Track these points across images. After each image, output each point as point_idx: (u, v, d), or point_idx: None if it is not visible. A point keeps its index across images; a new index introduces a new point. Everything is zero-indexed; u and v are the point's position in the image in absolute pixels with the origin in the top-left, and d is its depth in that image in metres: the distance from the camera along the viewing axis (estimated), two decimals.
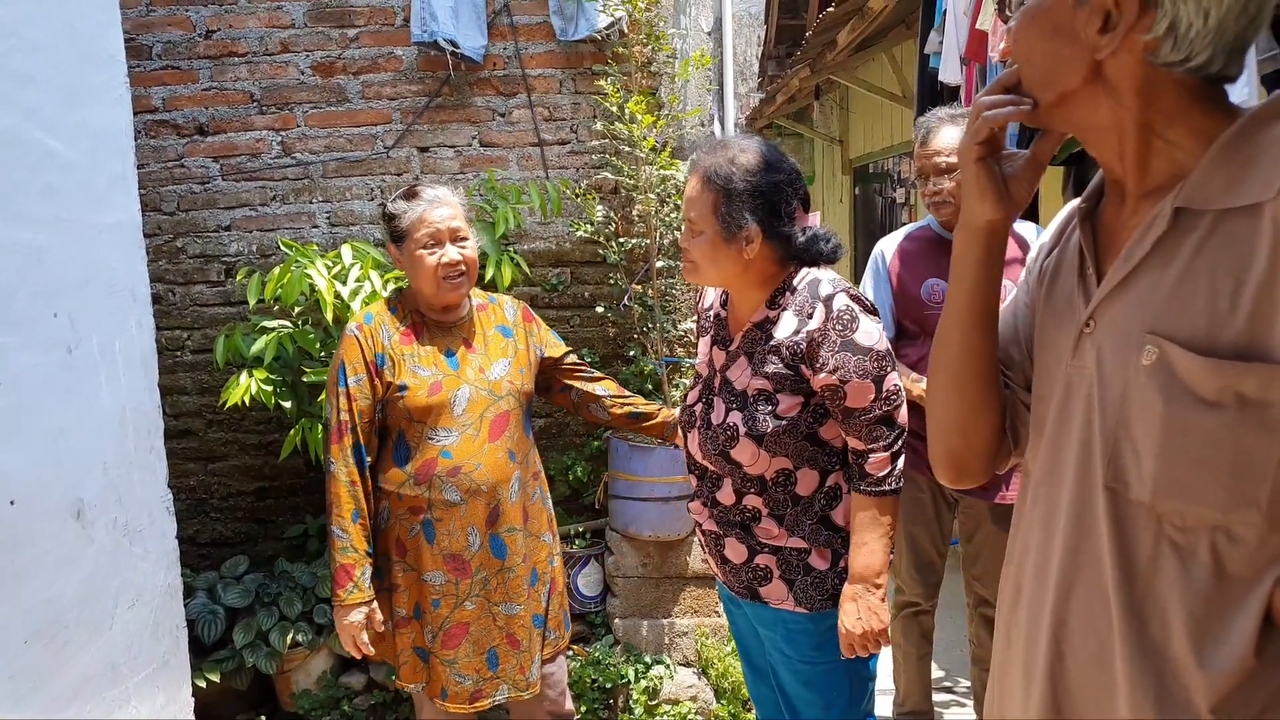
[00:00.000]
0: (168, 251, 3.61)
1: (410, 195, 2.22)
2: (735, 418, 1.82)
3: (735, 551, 1.90)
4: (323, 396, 2.28)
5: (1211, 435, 0.88)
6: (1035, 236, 2.54)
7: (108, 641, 2.08)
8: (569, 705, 2.52)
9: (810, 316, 1.78)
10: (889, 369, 1.78)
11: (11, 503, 1.77)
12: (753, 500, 1.85)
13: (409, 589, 2.25)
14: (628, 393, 2.54)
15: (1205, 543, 0.91)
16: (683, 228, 1.88)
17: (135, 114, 3.51)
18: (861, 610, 1.78)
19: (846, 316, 1.77)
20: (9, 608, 1.76)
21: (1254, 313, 0.86)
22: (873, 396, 1.76)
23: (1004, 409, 1.19)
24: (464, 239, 2.21)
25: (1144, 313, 0.94)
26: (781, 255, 1.85)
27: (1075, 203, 1.13)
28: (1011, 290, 1.27)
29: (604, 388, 2.50)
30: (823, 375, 1.76)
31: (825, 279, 1.84)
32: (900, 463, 1.80)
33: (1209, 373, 0.87)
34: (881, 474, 1.78)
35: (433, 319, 2.27)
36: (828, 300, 1.79)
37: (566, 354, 2.48)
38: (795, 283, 1.85)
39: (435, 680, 2.26)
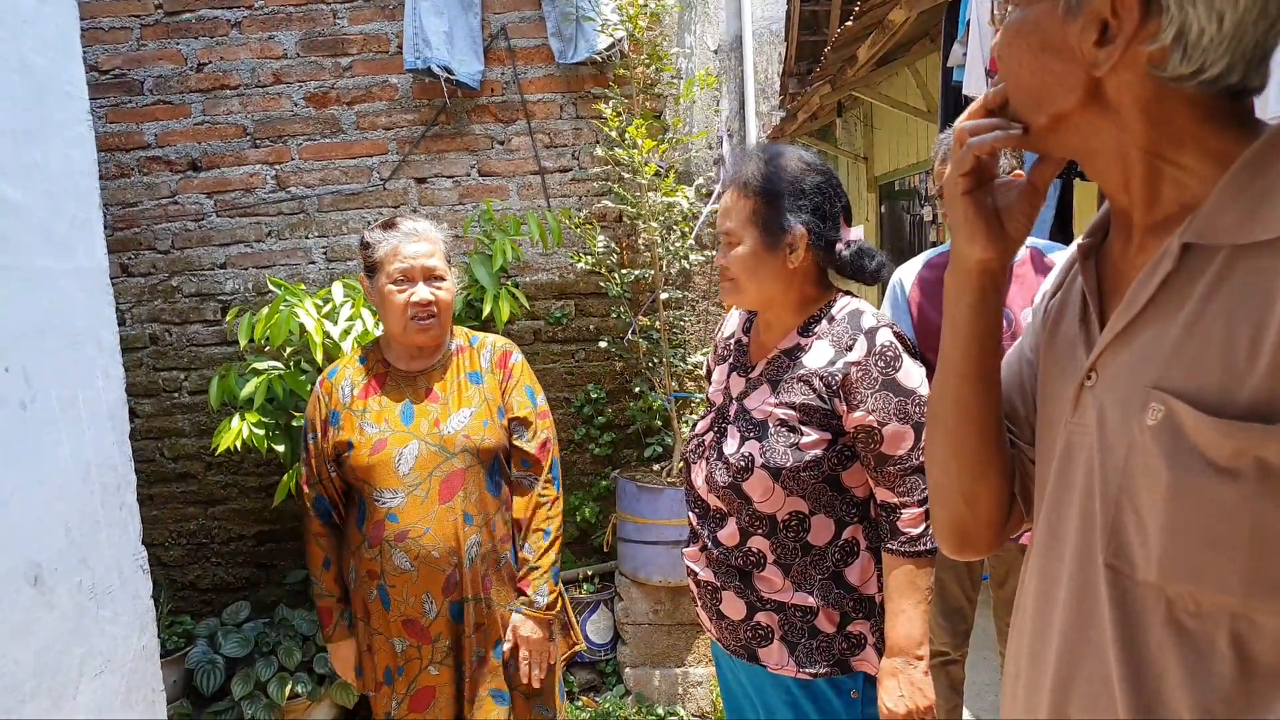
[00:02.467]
0: (163, 290, 3.52)
1: (388, 226, 2.09)
2: (752, 447, 1.65)
3: (733, 607, 1.71)
4: None
5: (1226, 508, 0.73)
6: None
7: (71, 713, 1.95)
8: None
9: (850, 349, 1.62)
10: None
11: None
12: (759, 542, 1.67)
13: (379, 651, 2.14)
14: (535, 530, 2.15)
15: (1224, 632, 0.76)
16: (719, 245, 1.75)
17: (127, 151, 3.45)
18: (904, 686, 1.60)
19: (890, 354, 1.61)
20: None
21: (1276, 365, 0.70)
22: (910, 444, 1.59)
23: (1012, 471, 1.05)
24: (440, 278, 2.06)
25: (1149, 365, 0.80)
26: (823, 271, 1.72)
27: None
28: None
29: (518, 510, 2.17)
30: (858, 414, 1.60)
31: (868, 311, 1.69)
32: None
33: (1223, 435, 0.73)
34: (916, 531, 1.61)
35: (398, 368, 2.13)
36: (870, 333, 1.63)
37: (521, 422, 2.16)
38: (834, 311, 1.70)
39: None
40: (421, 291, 2.02)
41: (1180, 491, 0.76)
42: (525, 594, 2.11)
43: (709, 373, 2.06)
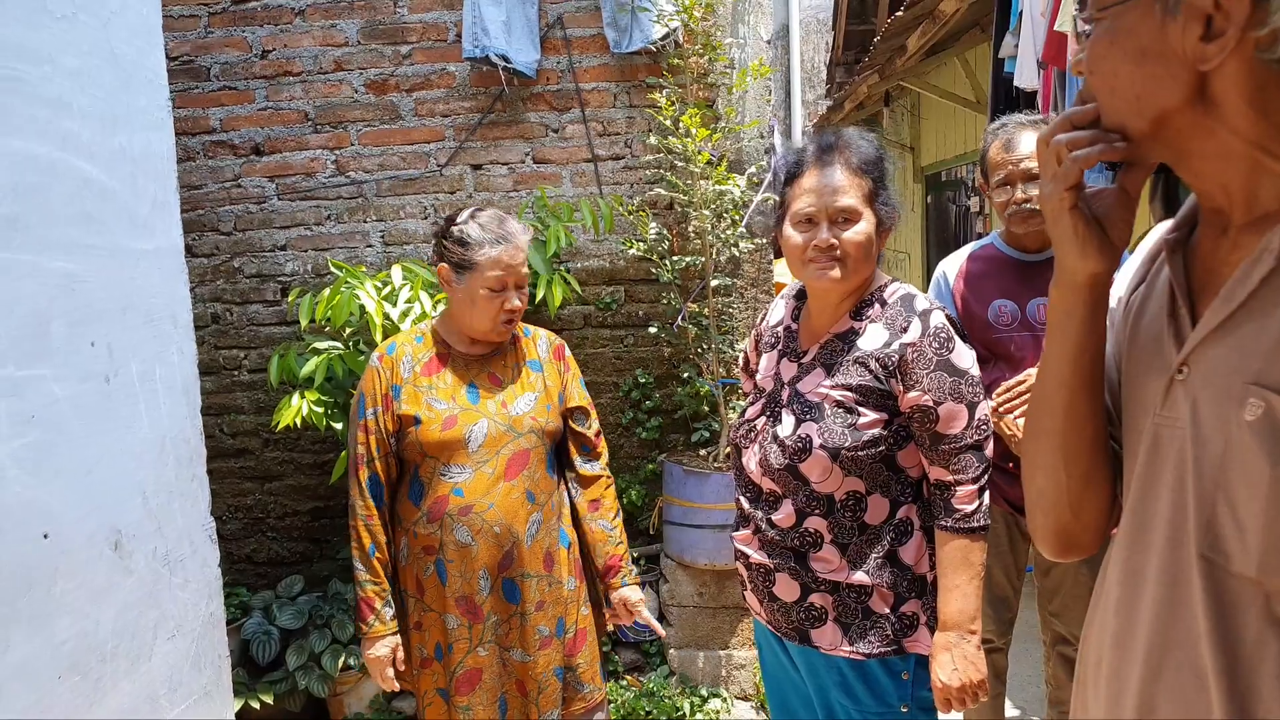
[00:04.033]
0: (225, 271, 3.63)
1: (490, 228, 2.11)
2: (809, 429, 1.69)
3: (786, 589, 1.75)
4: None
5: None
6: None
7: (146, 674, 2.05)
8: None
9: (905, 330, 1.67)
10: (981, 396, 1.67)
11: (45, 536, 1.75)
12: (815, 523, 1.71)
13: (430, 628, 2.17)
14: (608, 509, 2.29)
15: None
16: (821, 220, 1.70)
17: (194, 135, 3.55)
18: (957, 660, 1.64)
19: (944, 335, 1.66)
20: (41, 643, 1.73)
21: None
22: (965, 423, 1.64)
23: (1115, 473, 1.05)
24: (524, 284, 2.14)
25: (1248, 360, 0.81)
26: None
27: (1163, 229, 1.00)
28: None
29: (578, 487, 2.28)
30: (914, 394, 1.64)
31: (919, 295, 1.73)
32: (986, 497, 1.67)
33: None
34: (970, 508, 1.65)
35: (459, 351, 2.18)
36: (925, 316, 1.68)
37: (578, 411, 2.28)
38: (886, 295, 1.74)
39: None
40: (514, 300, 2.10)
41: None
42: (621, 568, 2.26)
43: (745, 363, 2.10)
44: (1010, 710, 3.08)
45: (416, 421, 2.08)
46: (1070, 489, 1.03)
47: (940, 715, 1.79)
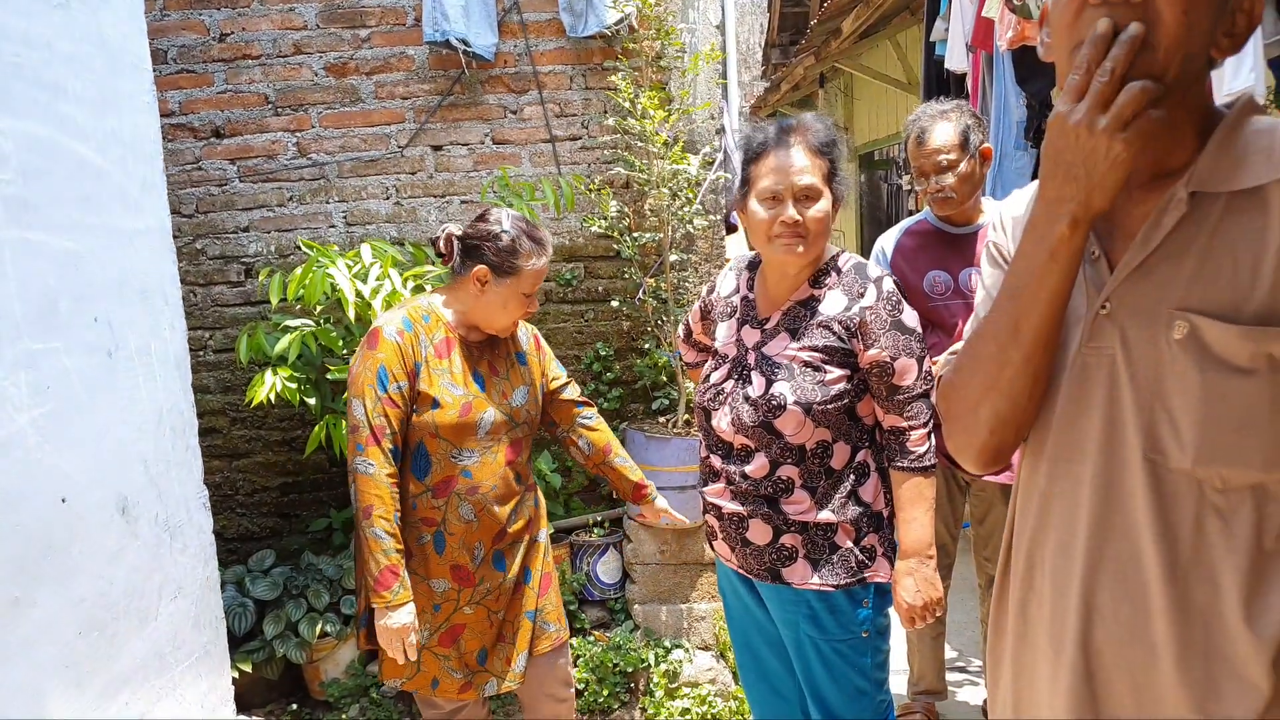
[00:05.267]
0: (188, 253, 3.67)
1: (536, 239, 2.21)
2: (781, 388, 1.88)
3: (760, 532, 1.94)
4: (346, 394, 2.27)
5: (1249, 398, 0.93)
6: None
7: (154, 632, 2.15)
8: (570, 693, 2.53)
9: (862, 295, 1.88)
10: (926, 351, 1.90)
11: (63, 500, 1.85)
12: (788, 470, 1.90)
13: (414, 588, 2.23)
14: (618, 453, 2.55)
15: (1248, 504, 0.95)
16: (785, 198, 1.86)
17: None
18: (919, 582, 1.88)
19: (895, 298, 1.89)
20: (63, 600, 1.83)
21: (1273, 283, 0.92)
22: (915, 375, 1.86)
23: None
24: None
25: (1168, 291, 0.98)
26: None
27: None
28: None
29: (591, 441, 2.52)
30: (873, 351, 1.85)
31: (870, 263, 1.96)
32: (935, 440, 1.88)
33: (1240, 340, 0.93)
34: (922, 450, 1.88)
35: (465, 337, 2.26)
36: (878, 281, 1.90)
37: (565, 384, 2.51)
38: (841, 264, 1.95)
39: (425, 673, 2.29)
40: (534, 303, 2.26)
41: (1210, 389, 0.95)
42: (648, 486, 2.57)
43: (687, 333, 2.29)
44: (949, 652, 3.32)
45: (435, 404, 2.14)
46: (1028, 409, 1.11)
47: (890, 643, 2.02)
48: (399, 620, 2.09)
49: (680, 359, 3.42)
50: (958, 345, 2.51)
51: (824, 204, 1.87)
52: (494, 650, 2.34)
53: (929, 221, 2.69)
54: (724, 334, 2.08)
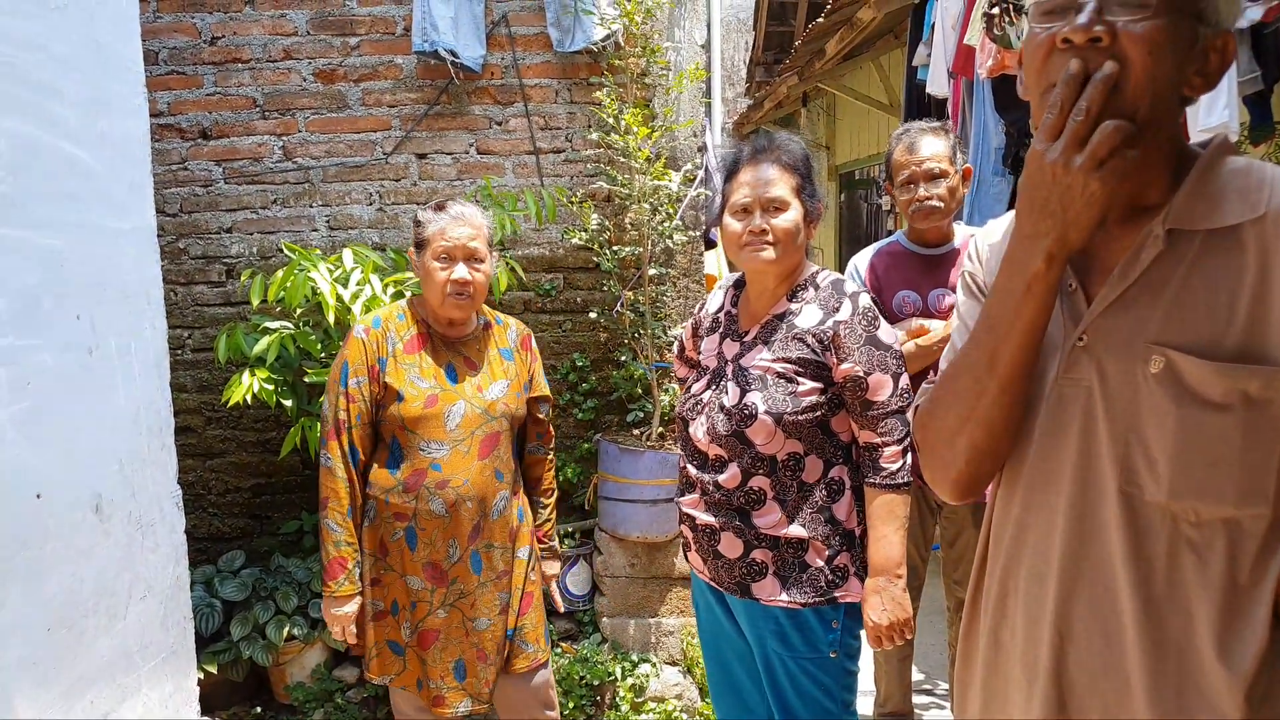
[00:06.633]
0: (170, 252, 3.68)
1: (439, 208, 2.28)
2: (753, 398, 1.91)
3: (730, 546, 1.97)
4: (323, 396, 2.33)
5: (1223, 434, 0.94)
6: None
7: (122, 631, 2.16)
8: (552, 715, 2.54)
9: (837, 310, 1.92)
10: (904, 368, 1.92)
11: (38, 496, 1.86)
12: (759, 481, 1.93)
13: (389, 585, 2.31)
14: (546, 490, 2.59)
15: (1221, 538, 0.96)
16: (755, 209, 1.95)
17: None
18: (886, 602, 1.88)
19: (870, 314, 1.92)
20: (34, 597, 1.84)
21: (1249, 321, 0.95)
22: (890, 391, 1.88)
23: None
24: (479, 260, 2.26)
25: (1145, 325, 1.00)
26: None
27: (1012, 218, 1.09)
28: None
29: (533, 473, 2.56)
30: (846, 365, 1.89)
31: (847, 279, 2.01)
32: (909, 457, 1.90)
33: (1215, 376, 0.94)
34: (895, 467, 1.89)
35: (438, 331, 2.32)
36: (854, 297, 1.94)
37: (541, 401, 2.52)
38: (818, 280, 2.00)
39: (411, 671, 2.33)
40: (460, 271, 2.22)
41: (1185, 424, 0.95)
42: (546, 542, 2.54)
43: (680, 350, 2.34)
44: (916, 674, 3.36)
45: (399, 397, 2.21)
46: (1005, 439, 1.11)
47: (858, 666, 2.04)
48: (340, 610, 2.25)
49: (655, 373, 3.46)
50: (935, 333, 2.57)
51: (792, 214, 1.94)
52: (472, 667, 2.34)
53: (901, 243, 2.75)
54: (707, 348, 2.13)
